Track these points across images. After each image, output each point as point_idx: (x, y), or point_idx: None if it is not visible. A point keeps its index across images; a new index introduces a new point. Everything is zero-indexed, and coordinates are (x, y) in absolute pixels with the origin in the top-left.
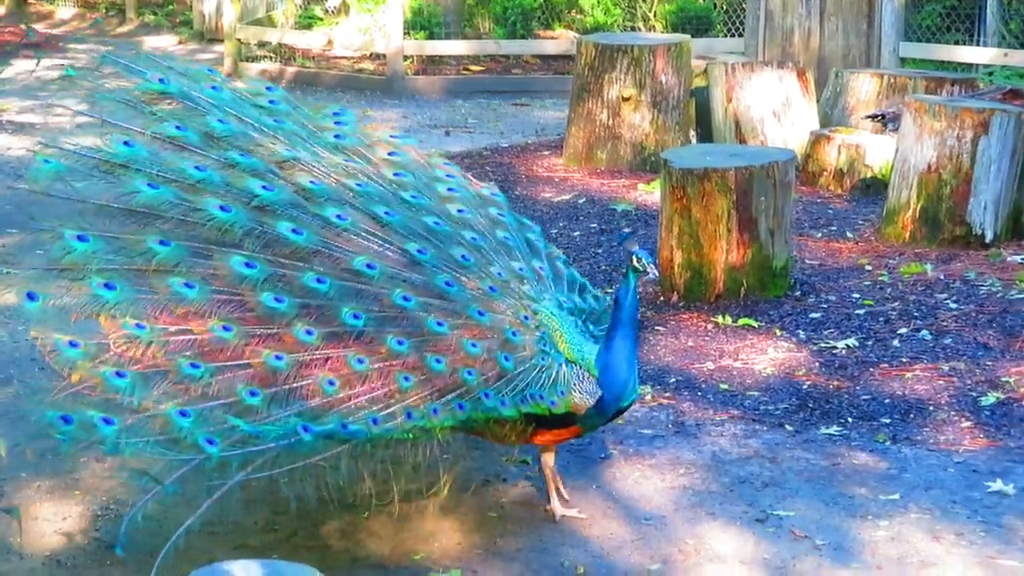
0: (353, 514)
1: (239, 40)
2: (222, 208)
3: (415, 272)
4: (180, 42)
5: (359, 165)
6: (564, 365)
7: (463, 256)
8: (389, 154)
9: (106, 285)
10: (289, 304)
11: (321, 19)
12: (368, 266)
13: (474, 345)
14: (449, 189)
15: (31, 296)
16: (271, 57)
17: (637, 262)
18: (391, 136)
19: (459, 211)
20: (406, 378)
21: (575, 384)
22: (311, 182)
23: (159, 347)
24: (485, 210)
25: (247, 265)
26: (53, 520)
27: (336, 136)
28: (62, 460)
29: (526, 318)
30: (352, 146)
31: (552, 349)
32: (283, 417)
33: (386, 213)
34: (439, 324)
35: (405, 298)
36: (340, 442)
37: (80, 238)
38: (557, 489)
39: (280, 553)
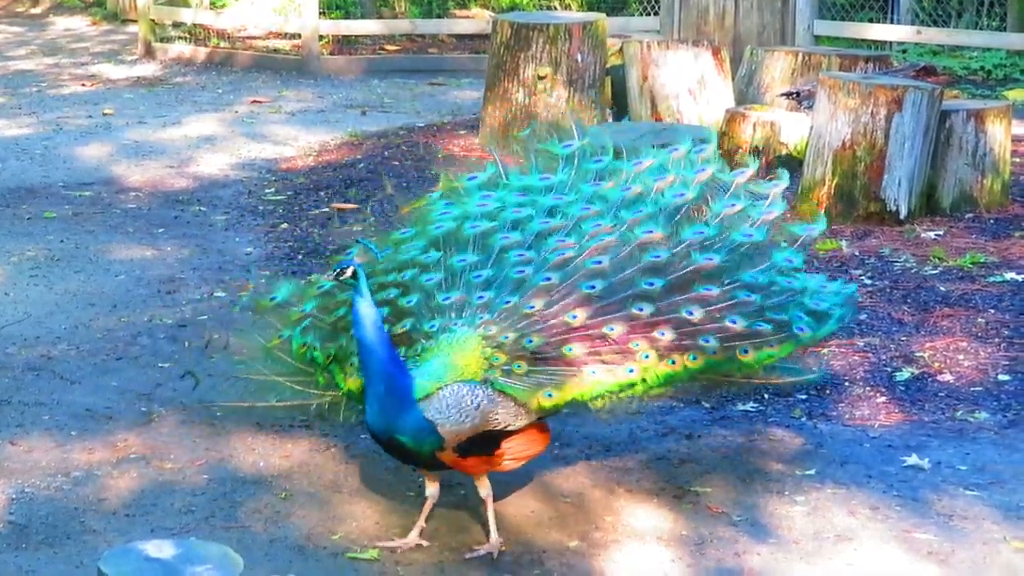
0: (271, 495)
1: (153, 20)
2: None
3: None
4: (93, 23)
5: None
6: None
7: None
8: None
9: None
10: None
11: None
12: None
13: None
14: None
15: None
16: (186, 38)
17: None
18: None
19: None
20: None
21: None
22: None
23: None
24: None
25: None
26: None
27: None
28: None
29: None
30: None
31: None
32: None
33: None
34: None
35: None
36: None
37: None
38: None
39: (197, 535)
